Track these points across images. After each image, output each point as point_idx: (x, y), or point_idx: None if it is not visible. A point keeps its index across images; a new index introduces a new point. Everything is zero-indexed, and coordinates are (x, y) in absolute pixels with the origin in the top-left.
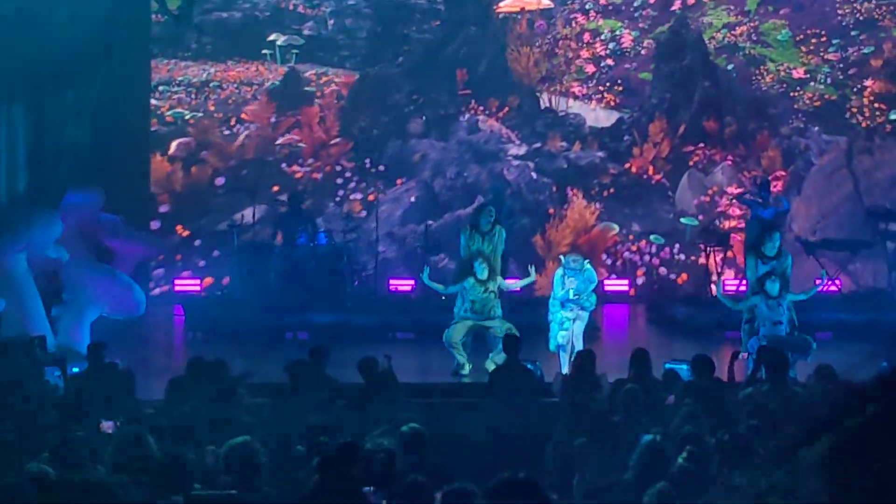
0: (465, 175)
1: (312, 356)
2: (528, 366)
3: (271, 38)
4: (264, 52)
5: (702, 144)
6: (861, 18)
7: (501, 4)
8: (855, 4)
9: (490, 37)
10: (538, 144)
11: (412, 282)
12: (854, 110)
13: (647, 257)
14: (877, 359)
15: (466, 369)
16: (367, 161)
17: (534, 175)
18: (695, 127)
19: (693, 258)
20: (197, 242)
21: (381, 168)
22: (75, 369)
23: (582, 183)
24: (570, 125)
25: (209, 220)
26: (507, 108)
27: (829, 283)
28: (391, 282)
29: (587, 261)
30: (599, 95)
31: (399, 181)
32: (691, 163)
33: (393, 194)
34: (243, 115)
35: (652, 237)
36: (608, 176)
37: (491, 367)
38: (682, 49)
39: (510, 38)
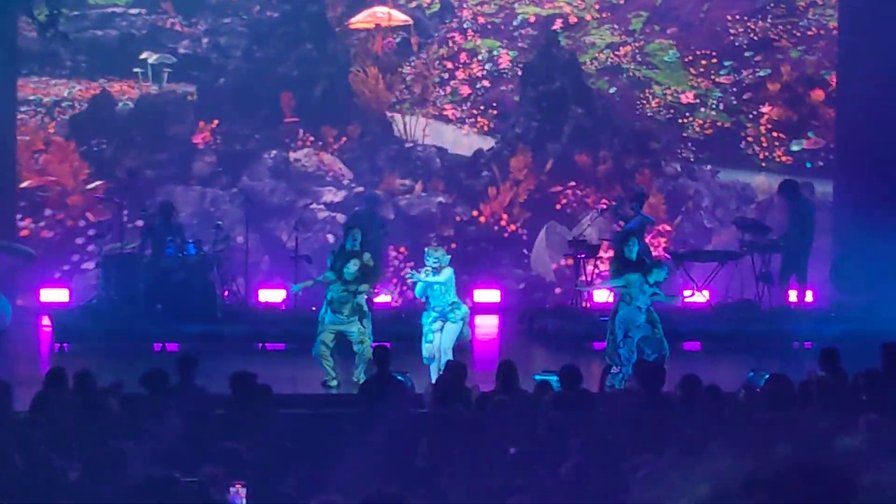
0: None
1: (181, 367)
2: (399, 377)
3: (143, 56)
4: (135, 70)
5: (572, 183)
6: (755, 38)
7: (353, 20)
8: (748, 23)
9: (329, 56)
10: (361, 188)
11: (283, 292)
12: (750, 139)
13: None
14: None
15: (334, 383)
16: (125, 215)
17: (331, 238)
18: (564, 162)
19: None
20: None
21: (139, 224)
22: None
23: (411, 238)
24: (418, 159)
25: None
26: (345, 139)
27: (696, 293)
28: (261, 292)
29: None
30: (473, 119)
31: None
32: (559, 206)
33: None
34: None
35: None
36: (451, 226)
37: (360, 379)
38: (552, 71)
39: (357, 58)
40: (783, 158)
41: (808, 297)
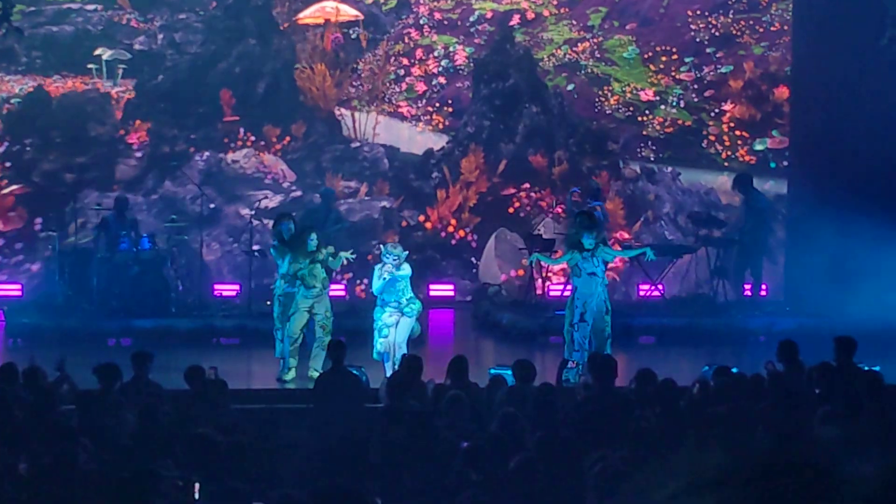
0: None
1: (135, 362)
2: (354, 371)
3: (97, 52)
4: (90, 66)
5: (526, 185)
6: (717, 34)
7: (302, 15)
8: (710, 19)
9: (274, 52)
10: (298, 192)
11: (237, 287)
12: (712, 138)
13: None
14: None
15: (290, 375)
16: (38, 223)
17: (254, 253)
18: (518, 163)
19: None
20: (18, 246)
21: (53, 233)
22: None
23: (352, 245)
24: (365, 159)
25: None
26: (288, 138)
27: (652, 287)
28: (216, 287)
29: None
30: (428, 117)
31: None
32: (511, 209)
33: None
34: None
35: None
36: (395, 232)
37: (314, 374)
38: (505, 67)
39: (305, 54)
40: (746, 158)
41: (764, 291)
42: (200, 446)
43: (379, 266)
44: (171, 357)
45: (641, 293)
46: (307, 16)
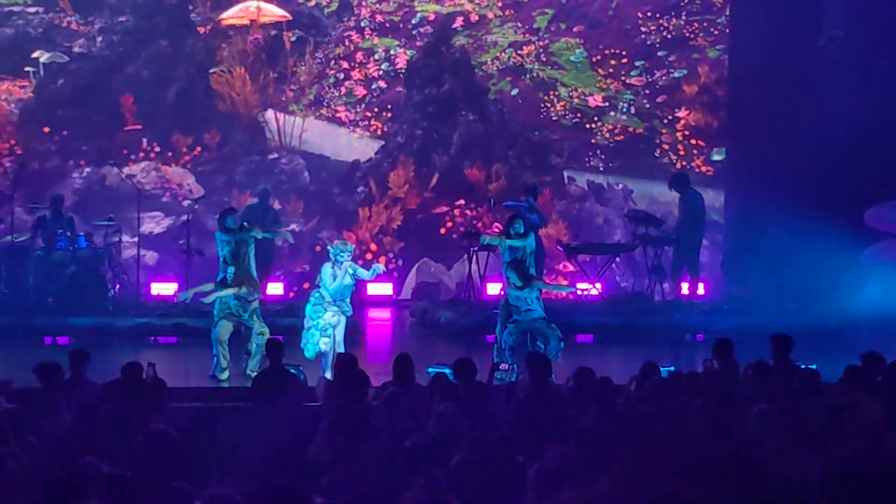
0: None
1: (73, 360)
2: (292, 370)
3: (35, 54)
4: (27, 69)
5: (461, 201)
6: (669, 37)
7: (225, 15)
8: (661, 20)
9: (187, 54)
10: (185, 215)
11: (175, 285)
12: (665, 147)
13: None
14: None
15: (225, 375)
16: None
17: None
18: (452, 176)
19: None
20: None
21: None
22: None
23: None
24: (283, 173)
25: None
26: (199, 149)
27: (591, 283)
28: (153, 285)
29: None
30: (367, 122)
31: None
32: (444, 230)
33: None
34: None
35: None
36: (304, 260)
37: (252, 373)
38: (440, 72)
39: (222, 56)
40: (703, 168)
41: (701, 289)
42: (159, 444)
43: (329, 265)
44: (107, 355)
45: (579, 292)
46: (230, 16)
